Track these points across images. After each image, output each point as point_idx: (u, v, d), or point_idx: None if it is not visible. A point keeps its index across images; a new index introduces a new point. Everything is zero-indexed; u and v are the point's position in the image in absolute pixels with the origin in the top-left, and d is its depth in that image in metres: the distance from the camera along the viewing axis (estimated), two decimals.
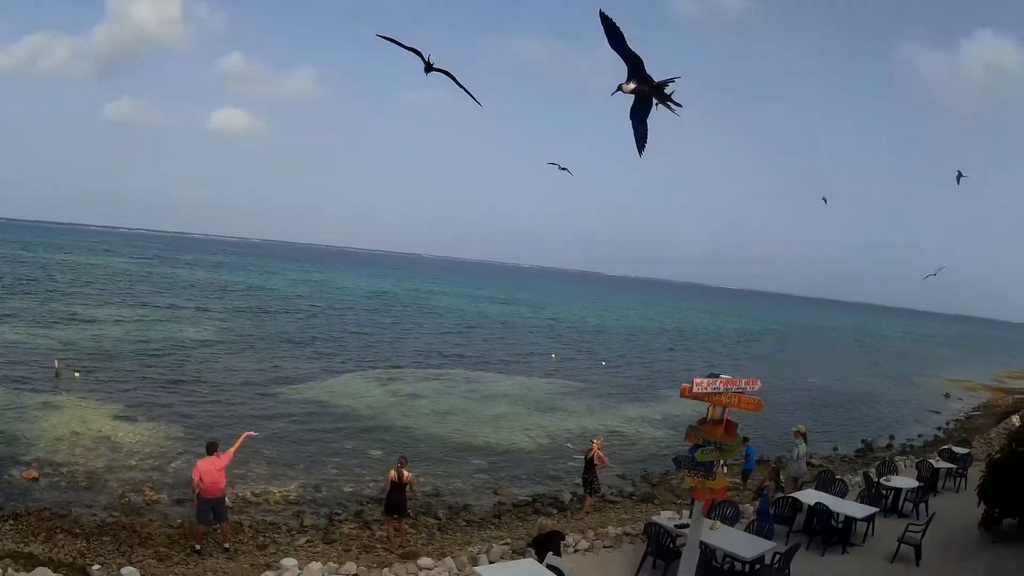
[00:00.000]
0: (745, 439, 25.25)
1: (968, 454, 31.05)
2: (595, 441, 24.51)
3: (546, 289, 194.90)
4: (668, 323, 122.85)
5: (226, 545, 19.17)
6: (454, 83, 13.64)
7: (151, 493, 22.93)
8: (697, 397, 13.34)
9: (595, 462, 23.84)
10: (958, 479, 29.43)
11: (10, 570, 14.38)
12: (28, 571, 14.36)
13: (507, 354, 65.80)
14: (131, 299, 66.37)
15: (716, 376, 13.42)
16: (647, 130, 11.17)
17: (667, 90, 10.81)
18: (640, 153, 11.47)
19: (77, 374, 35.57)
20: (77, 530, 19.19)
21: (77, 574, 15.91)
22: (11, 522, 19.18)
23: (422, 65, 13.08)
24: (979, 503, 22.34)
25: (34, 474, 23.09)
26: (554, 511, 25.58)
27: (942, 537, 22.07)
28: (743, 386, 13.63)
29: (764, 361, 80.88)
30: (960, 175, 27.55)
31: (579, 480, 26.13)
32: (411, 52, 13.32)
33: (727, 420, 13.94)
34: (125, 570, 15.70)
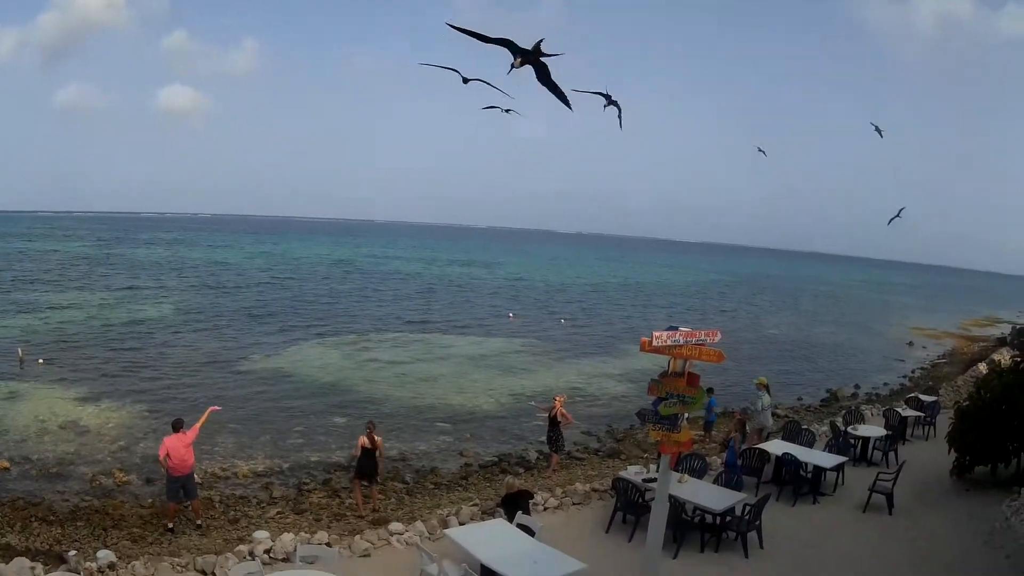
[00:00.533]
0: (709, 390, 25.44)
1: (935, 402, 31.22)
2: (558, 399, 24.61)
3: (501, 249, 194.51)
4: (625, 278, 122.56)
5: (198, 522, 19.14)
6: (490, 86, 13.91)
7: (121, 475, 22.87)
8: (657, 351, 13.15)
9: (559, 419, 23.94)
10: (927, 427, 29.61)
11: None
12: (6, 562, 14.27)
13: (466, 316, 65.83)
14: (91, 283, 65.78)
15: (675, 329, 13.39)
16: (558, 87, 11.97)
17: (543, 48, 11.59)
18: (570, 108, 12.54)
19: (41, 361, 35.29)
20: (51, 517, 19.13)
21: (55, 561, 15.84)
22: None
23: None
24: (949, 450, 22.54)
25: (5, 464, 22.92)
26: (521, 470, 25.73)
27: (914, 485, 22.28)
28: (703, 338, 13.56)
29: (723, 313, 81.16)
30: (878, 129, 27.68)
31: (544, 438, 26.23)
32: (449, 70, 13.63)
33: (689, 373, 13.79)
34: (101, 553, 15.65)
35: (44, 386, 31.60)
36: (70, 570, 14.39)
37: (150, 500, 21.09)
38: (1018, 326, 30.14)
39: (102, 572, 14.85)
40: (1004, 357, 33.60)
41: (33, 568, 14.17)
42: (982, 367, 40.32)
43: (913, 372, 50.54)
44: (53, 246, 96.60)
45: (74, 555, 15.98)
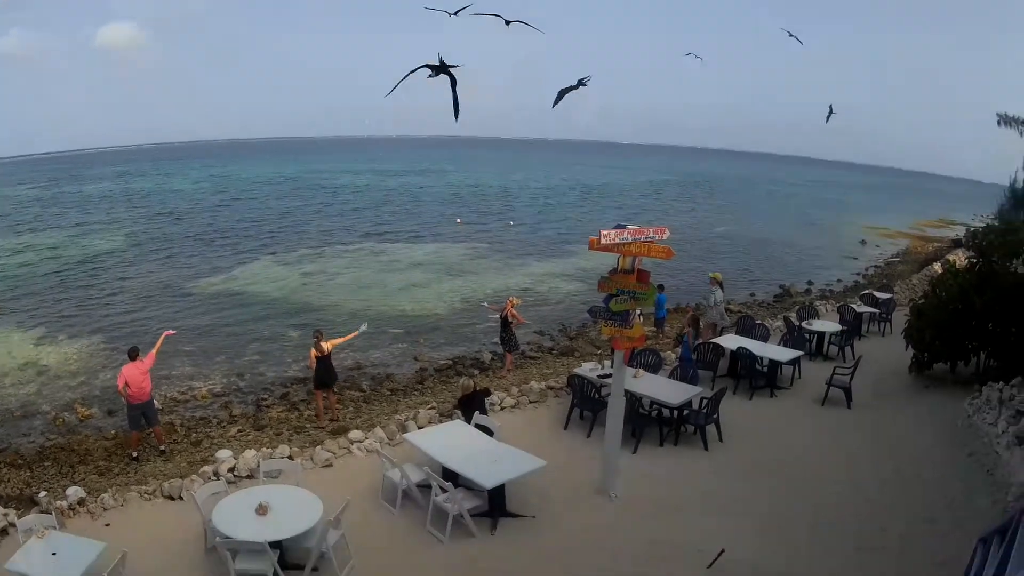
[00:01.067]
0: (660, 287, 25.62)
1: (891, 299, 31.54)
2: (509, 300, 24.76)
3: (446, 158, 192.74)
4: (574, 181, 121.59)
5: (161, 447, 19.16)
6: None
7: (83, 410, 22.82)
8: (606, 249, 13.25)
9: (510, 320, 24.15)
10: (882, 324, 29.96)
11: None
12: None
13: (414, 224, 65.49)
14: (41, 224, 64.59)
15: (623, 227, 13.43)
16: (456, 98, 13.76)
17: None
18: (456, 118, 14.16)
19: None
20: (19, 461, 19.00)
21: (26, 504, 15.78)
22: None
23: None
24: (907, 347, 22.81)
25: None
26: (476, 372, 25.87)
27: (872, 381, 22.63)
28: (651, 235, 13.58)
29: (675, 212, 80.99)
30: (831, 110, 27.60)
31: (497, 340, 26.45)
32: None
33: (639, 269, 13.93)
34: (70, 490, 15.62)
35: (0, 332, 31.36)
36: (42, 511, 14.38)
37: (113, 432, 21.05)
38: (972, 228, 30.45)
39: (73, 509, 14.87)
40: (959, 258, 33.83)
41: (6, 515, 14.15)
42: (937, 267, 40.43)
43: (867, 270, 50.64)
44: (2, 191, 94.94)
45: (44, 496, 15.94)
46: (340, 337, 20.52)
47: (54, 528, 12.25)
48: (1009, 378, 19.73)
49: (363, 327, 22.13)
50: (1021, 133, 28.90)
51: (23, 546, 11.44)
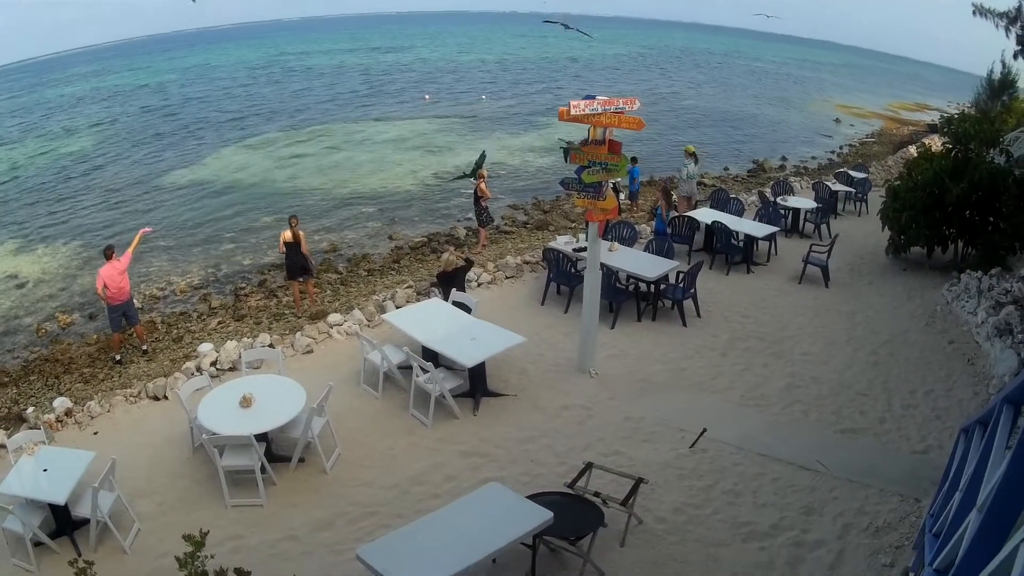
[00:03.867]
0: (633, 159, 25.45)
1: (866, 179, 31.20)
2: (481, 173, 24.64)
3: (412, 34, 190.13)
4: (541, 54, 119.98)
5: (144, 347, 19.13)
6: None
7: (64, 317, 22.67)
8: (576, 120, 13.09)
9: (479, 195, 24.04)
10: (858, 203, 29.73)
11: None
12: None
13: (383, 102, 64.64)
14: (5, 136, 63.94)
15: (592, 97, 13.28)
16: None
17: None
18: None
19: None
20: (5, 379, 18.88)
21: (15, 423, 15.71)
22: None
23: None
24: (883, 228, 22.80)
25: None
26: (451, 248, 25.55)
27: (849, 260, 22.90)
28: (622, 106, 13.46)
29: (646, 84, 79.99)
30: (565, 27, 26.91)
31: (471, 215, 26.37)
32: None
33: (610, 140, 13.80)
34: (57, 402, 15.59)
35: None
36: (31, 427, 14.35)
37: (95, 336, 20.94)
38: (947, 115, 30.21)
39: (60, 421, 14.85)
40: (935, 143, 33.58)
41: None
42: (912, 150, 40.19)
43: (841, 148, 50.04)
44: None
45: (32, 411, 15.91)
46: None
47: (43, 443, 12.22)
48: (987, 268, 19.89)
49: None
50: (996, 25, 28.64)
51: (14, 466, 11.42)
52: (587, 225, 15.99)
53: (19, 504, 10.89)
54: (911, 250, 22.53)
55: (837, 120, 62.81)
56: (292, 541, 11.00)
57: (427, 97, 64.57)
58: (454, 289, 17.23)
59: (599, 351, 16.04)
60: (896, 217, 21.86)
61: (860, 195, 29.78)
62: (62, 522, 11.11)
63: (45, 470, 11.19)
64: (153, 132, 55.90)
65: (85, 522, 10.97)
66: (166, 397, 15.45)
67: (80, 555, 10.59)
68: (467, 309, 16.38)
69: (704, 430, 13.00)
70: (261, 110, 63.30)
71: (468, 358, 13.77)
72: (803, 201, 26.71)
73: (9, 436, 13.34)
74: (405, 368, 14.76)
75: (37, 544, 10.79)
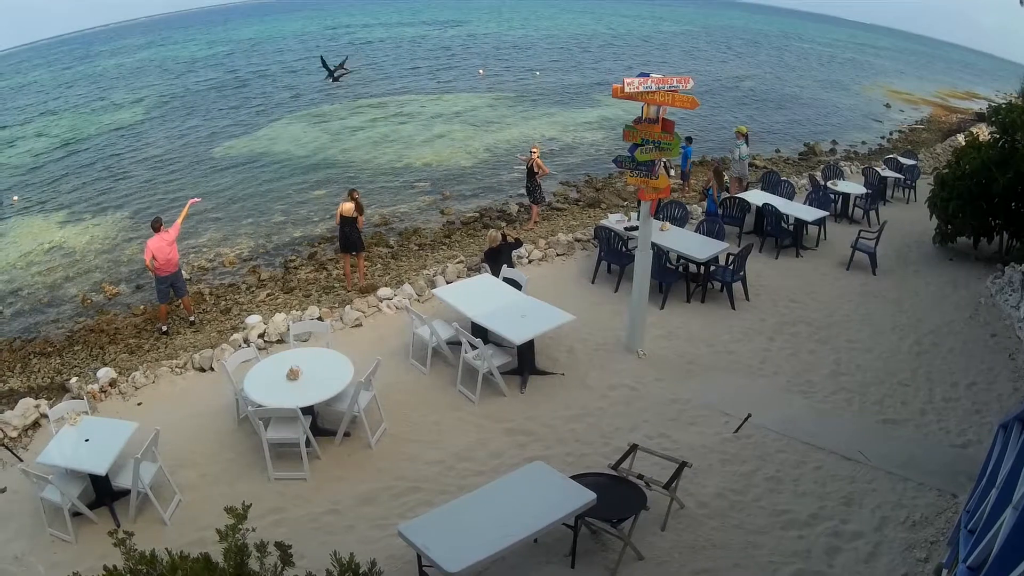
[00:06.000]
0: (688, 139, 25.32)
1: (915, 165, 30.81)
2: (533, 149, 24.51)
3: (467, 7, 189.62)
4: (594, 29, 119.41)
5: (191, 318, 19.27)
6: None
7: (110, 288, 22.79)
8: (630, 97, 13.10)
9: (535, 171, 23.94)
10: (907, 190, 29.43)
11: None
12: (11, 407, 14.33)
13: (436, 75, 64.24)
14: (56, 106, 63.72)
15: (647, 75, 13.20)
16: None
17: None
18: None
19: (16, 199, 34.55)
20: (49, 349, 19.05)
21: (58, 392, 15.83)
22: None
23: None
24: (931, 216, 22.67)
25: None
26: (503, 224, 25.69)
27: (896, 247, 22.72)
28: (676, 84, 13.36)
29: (696, 61, 79.25)
30: None
31: (523, 191, 26.28)
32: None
33: (663, 119, 13.74)
34: (100, 372, 15.65)
35: (24, 220, 30.87)
36: (74, 397, 14.44)
37: (142, 307, 21.08)
38: (994, 104, 29.60)
39: (104, 391, 14.97)
40: (983, 132, 33.07)
41: (38, 406, 14.23)
42: (960, 138, 39.66)
43: (891, 134, 49.07)
44: (10, 82, 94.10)
45: (75, 381, 15.98)
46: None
47: (86, 413, 12.30)
48: None
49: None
50: None
51: (56, 436, 11.49)
52: (639, 204, 15.91)
53: (58, 474, 10.98)
54: (957, 239, 22.35)
55: (887, 105, 61.42)
56: (334, 515, 11.03)
57: (481, 72, 64.23)
58: (505, 266, 17.21)
59: (648, 331, 15.98)
60: (943, 206, 21.72)
61: (909, 182, 29.50)
62: (102, 492, 11.19)
63: (87, 440, 11.26)
64: (205, 104, 56.15)
65: (125, 493, 11.05)
66: (212, 369, 15.55)
67: (119, 526, 10.68)
68: (518, 286, 16.33)
69: (749, 415, 12.99)
70: (309, 83, 63.19)
71: (517, 335, 13.77)
72: (853, 186, 26.46)
73: (51, 406, 13.38)
74: (454, 344, 14.79)
75: (75, 514, 10.88)
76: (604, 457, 11.74)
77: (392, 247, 24.48)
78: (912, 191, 29.28)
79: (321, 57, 27.09)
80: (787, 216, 22.08)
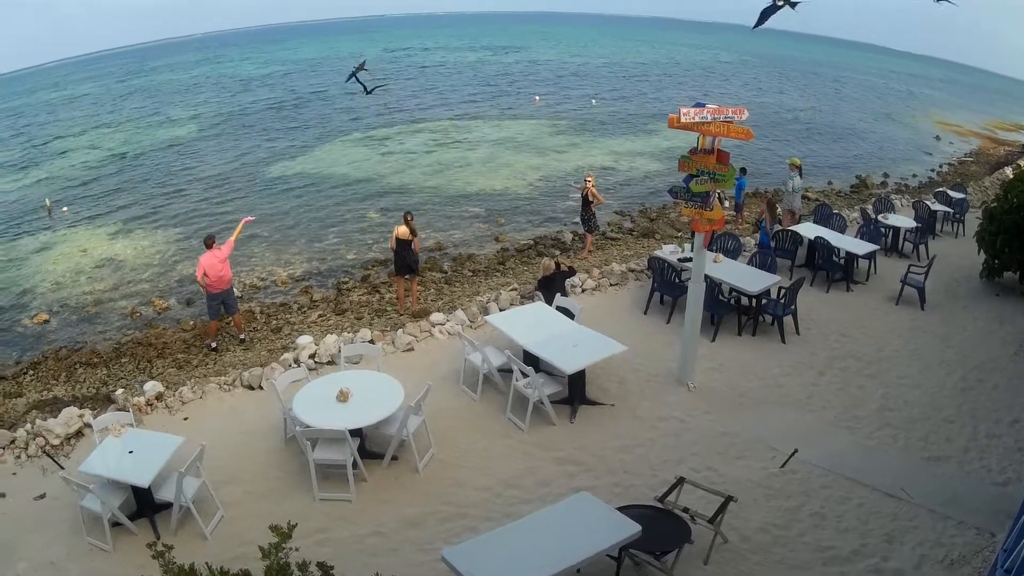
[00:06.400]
0: (742, 170, 25.28)
1: (964, 199, 30.45)
2: (588, 177, 24.52)
3: (516, 33, 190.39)
4: (647, 57, 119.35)
5: (241, 336, 19.37)
6: None
7: (160, 302, 22.99)
8: (686, 127, 13.05)
9: (590, 199, 23.95)
10: (956, 224, 29.20)
11: (38, 421, 14.54)
12: (55, 415, 14.46)
13: (492, 101, 64.68)
14: (110, 119, 64.33)
15: (703, 105, 13.20)
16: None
17: None
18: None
19: (66, 209, 34.66)
20: (95, 360, 19.16)
21: (103, 403, 15.97)
22: (31, 372, 19.00)
23: None
24: (979, 251, 22.55)
25: (44, 317, 22.73)
26: (557, 252, 25.67)
27: (945, 282, 22.55)
28: (731, 115, 13.36)
29: (753, 92, 79.14)
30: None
31: (578, 219, 26.30)
32: None
33: (718, 150, 13.71)
34: (147, 385, 15.76)
35: (74, 231, 31.32)
36: (119, 409, 14.53)
37: (191, 322, 21.23)
38: None
39: (150, 404, 15.04)
40: None
41: (82, 415, 14.33)
42: (1008, 171, 39.67)
43: (940, 167, 48.70)
44: (65, 93, 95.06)
45: (121, 393, 16.08)
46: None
47: (131, 425, 12.38)
48: None
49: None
50: None
51: (99, 446, 11.58)
52: (693, 235, 15.91)
53: (100, 483, 11.09)
54: (1005, 274, 22.24)
55: (937, 137, 60.89)
56: (379, 537, 11.03)
57: (537, 99, 64.43)
58: (559, 294, 17.21)
59: (699, 363, 15.95)
60: (991, 240, 21.61)
61: (958, 215, 29.27)
62: (143, 504, 11.28)
63: (131, 452, 11.33)
64: (262, 123, 56.83)
65: (167, 506, 11.13)
66: (261, 387, 15.61)
67: (159, 538, 10.71)
68: (570, 315, 16.32)
69: (795, 450, 12.95)
70: (366, 104, 63.46)
71: (569, 364, 13.75)
72: (903, 220, 26.27)
73: (96, 416, 13.53)
74: (505, 371, 14.78)
75: (115, 524, 10.95)
76: (651, 489, 11.71)
77: (446, 272, 24.52)
78: (961, 225, 29.11)
79: (353, 72, 27.30)
80: (838, 249, 22.04)
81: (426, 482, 12.28)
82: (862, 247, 22.46)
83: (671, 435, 13.82)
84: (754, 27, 15.82)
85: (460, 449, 13.17)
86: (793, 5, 15.79)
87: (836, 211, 27.34)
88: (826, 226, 24.34)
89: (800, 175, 26.41)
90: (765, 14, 15.43)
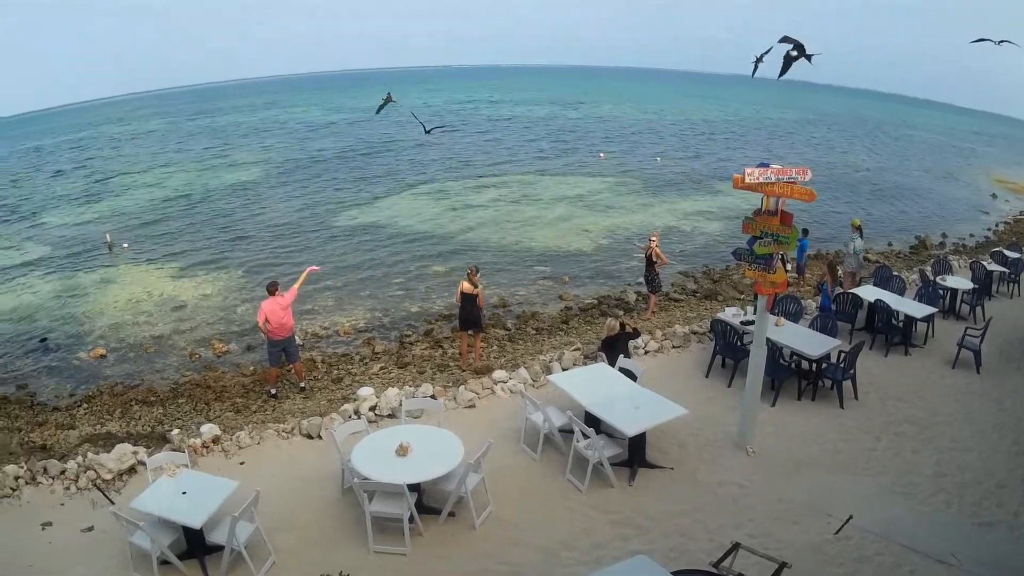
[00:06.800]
0: (804, 231, 25.26)
1: (1020, 259, 30.40)
2: (652, 237, 24.55)
3: (585, 88, 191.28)
4: (710, 113, 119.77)
5: (301, 384, 19.44)
6: None
7: (220, 345, 23.16)
8: (750, 187, 13.15)
9: (654, 260, 23.96)
10: (1011, 284, 29.21)
11: (89, 454, 14.72)
12: (108, 451, 14.65)
13: (556, 157, 64.96)
14: (175, 158, 65.49)
15: (767, 165, 13.24)
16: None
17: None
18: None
19: (126, 245, 35.28)
20: (152, 398, 19.37)
21: (157, 442, 16.12)
22: (85, 406, 19.26)
23: None
24: None
25: (101, 352, 23.03)
26: (620, 312, 25.61)
27: (999, 344, 22.52)
28: (794, 175, 13.42)
29: (816, 151, 78.90)
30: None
31: (641, 279, 26.28)
32: None
33: (782, 211, 13.76)
34: (204, 427, 15.89)
35: (136, 268, 31.85)
36: (174, 449, 14.66)
37: (251, 368, 21.37)
38: None
39: (206, 446, 15.18)
40: None
41: (135, 452, 14.49)
42: None
43: (996, 226, 48.28)
44: (129, 128, 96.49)
45: (177, 433, 16.22)
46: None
47: (185, 466, 12.50)
48: None
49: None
50: None
51: (152, 484, 11.72)
52: (755, 297, 15.88)
53: (150, 521, 11.23)
54: None
55: (994, 195, 60.47)
56: None
57: (602, 155, 64.57)
58: (622, 355, 17.20)
59: (758, 428, 15.96)
60: None
61: (1013, 276, 29.21)
62: (194, 545, 11.37)
63: (184, 492, 11.45)
64: (328, 171, 57.54)
65: (218, 548, 11.20)
66: (319, 436, 15.70)
67: None
68: (633, 376, 16.29)
69: (850, 516, 12.88)
70: (431, 157, 64.01)
71: (630, 427, 13.75)
72: (960, 281, 26.22)
73: (150, 455, 13.68)
74: (566, 431, 14.78)
75: (163, 562, 11.08)
76: (707, 554, 11.66)
77: (509, 330, 24.51)
78: (1016, 285, 29.14)
79: (382, 104, 27.88)
80: (898, 313, 22.02)
81: (482, 539, 12.27)
82: (921, 310, 22.43)
83: (728, 500, 13.81)
84: (779, 76, 16.26)
85: (518, 508, 13.16)
86: (809, 58, 16.17)
87: (896, 273, 27.31)
88: (886, 288, 24.35)
89: (861, 236, 26.46)
90: (786, 66, 16.03)
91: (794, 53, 16.41)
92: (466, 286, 19.51)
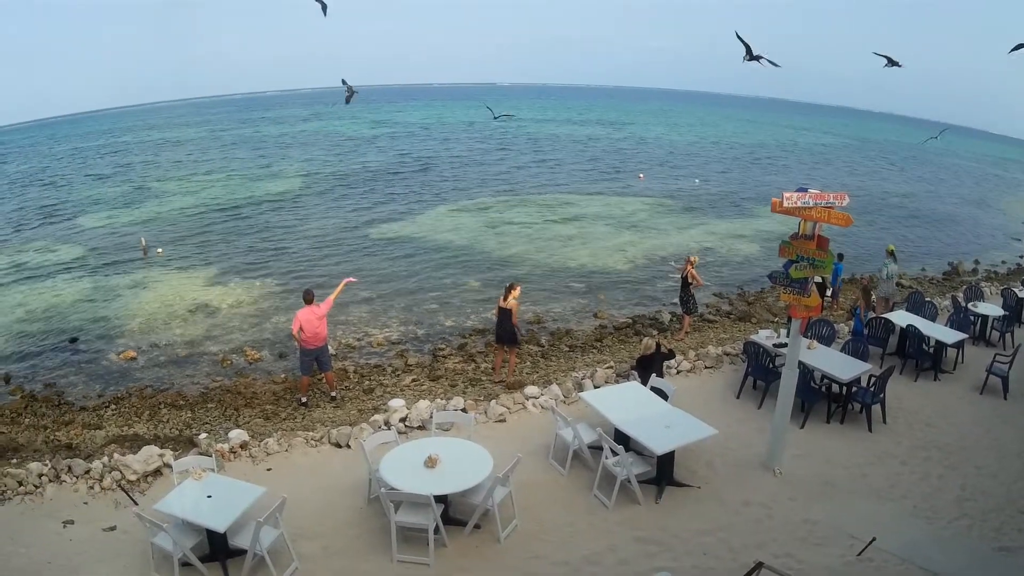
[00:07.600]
0: (840, 256, 25.25)
1: None
2: (690, 259, 24.58)
3: (623, 109, 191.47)
4: (751, 137, 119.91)
5: (332, 394, 19.50)
6: None
7: (252, 352, 23.27)
8: (787, 212, 13.22)
9: (690, 281, 24.02)
10: None
11: (116, 455, 14.85)
12: (135, 452, 14.77)
13: (595, 176, 65.13)
14: (213, 166, 65.99)
15: (805, 190, 13.28)
16: None
17: None
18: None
19: (160, 250, 35.58)
20: (180, 402, 19.52)
21: (184, 446, 16.24)
22: (113, 407, 19.43)
23: None
24: None
25: (132, 354, 23.21)
26: (655, 332, 25.40)
27: None
28: (832, 200, 13.44)
29: (855, 176, 78.74)
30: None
31: (676, 300, 26.27)
32: None
33: (819, 235, 13.80)
34: (232, 433, 15.97)
35: (170, 272, 32.15)
36: (201, 453, 14.75)
37: (283, 375, 21.49)
38: None
39: (234, 452, 15.26)
40: None
41: (162, 455, 14.59)
42: None
43: None
44: (171, 134, 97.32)
45: (205, 437, 16.33)
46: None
47: (212, 471, 12.55)
48: None
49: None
50: None
51: (178, 487, 11.80)
52: (789, 320, 15.87)
53: (174, 523, 11.31)
54: None
55: None
56: None
57: (641, 176, 64.63)
58: (654, 375, 17.23)
59: (787, 450, 15.96)
60: None
61: None
62: (217, 549, 11.44)
63: (209, 496, 11.53)
64: (368, 184, 57.83)
65: (240, 552, 11.28)
66: (348, 446, 15.77)
67: None
68: (664, 396, 16.33)
69: (873, 539, 12.89)
70: (471, 172, 64.29)
71: (659, 445, 13.79)
72: (991, 307, 26.16)
73: (176, 458, 13.76)
74: (595, 448, 14.84)
75: (184, 564, 11.14)
76: (730, 572, 11.74)
77: (543, 346, 24.54)
78: None
79: (347, 97, 28.52)
80: (928, 338, 22.01)
81: (506, 553, 12.29)
82: (951, 336, 22.40)
83: (753, 520, 13.82)
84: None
85: (543, 523, 13.19)
86: (774, 64, 16.56)
87: (928, 299, 27.29)
88: (918, 314, 24.34)
89: (895, 261, 26.63)
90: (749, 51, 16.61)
91: (759, 57, 17.01)
92: (507, 301, 19.63)
